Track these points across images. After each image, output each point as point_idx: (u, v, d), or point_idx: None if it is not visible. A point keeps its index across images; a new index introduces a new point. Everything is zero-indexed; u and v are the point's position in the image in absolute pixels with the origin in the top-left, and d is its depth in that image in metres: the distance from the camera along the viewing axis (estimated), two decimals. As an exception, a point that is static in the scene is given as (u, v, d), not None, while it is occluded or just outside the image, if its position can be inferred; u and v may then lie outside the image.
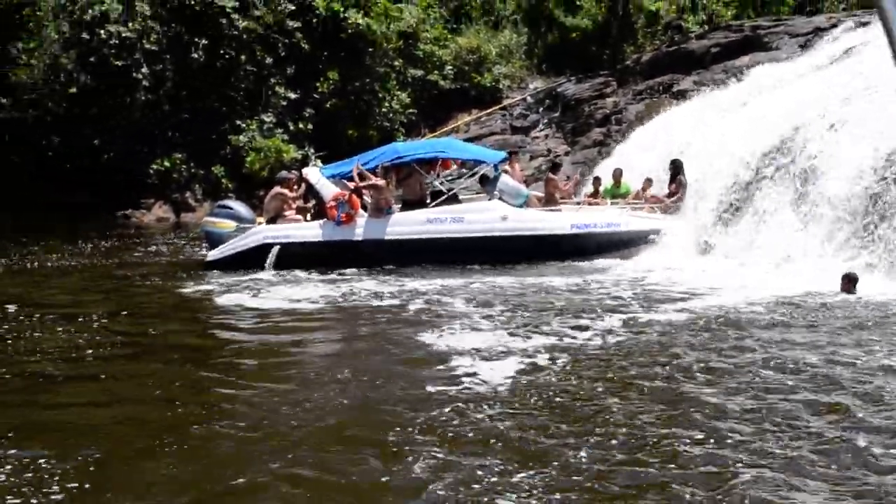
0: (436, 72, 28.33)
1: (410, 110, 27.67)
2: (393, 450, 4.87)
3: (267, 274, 13.05)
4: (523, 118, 26.83)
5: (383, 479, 4.46)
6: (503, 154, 15.24)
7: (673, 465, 4.52)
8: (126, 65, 24.59)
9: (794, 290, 10.33)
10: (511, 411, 5.57)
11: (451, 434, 5.10)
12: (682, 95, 21.73)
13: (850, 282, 10.38)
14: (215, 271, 13.43)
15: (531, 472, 4.46)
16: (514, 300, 10.11)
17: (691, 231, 14.08)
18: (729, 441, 4.86)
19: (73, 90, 24.73)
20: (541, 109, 27.23)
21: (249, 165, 24.87)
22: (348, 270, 13.11)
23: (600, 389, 6.01)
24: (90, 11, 24.49)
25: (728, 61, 22.68)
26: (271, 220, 14.29)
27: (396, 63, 27.73)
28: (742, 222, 13.74)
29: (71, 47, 25.05)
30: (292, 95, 26.54)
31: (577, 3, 30.16)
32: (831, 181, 12.82)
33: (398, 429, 5.23)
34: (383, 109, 27.04)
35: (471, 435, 5.09)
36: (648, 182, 15.33)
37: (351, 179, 14.07)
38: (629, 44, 29.67)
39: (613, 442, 4.90)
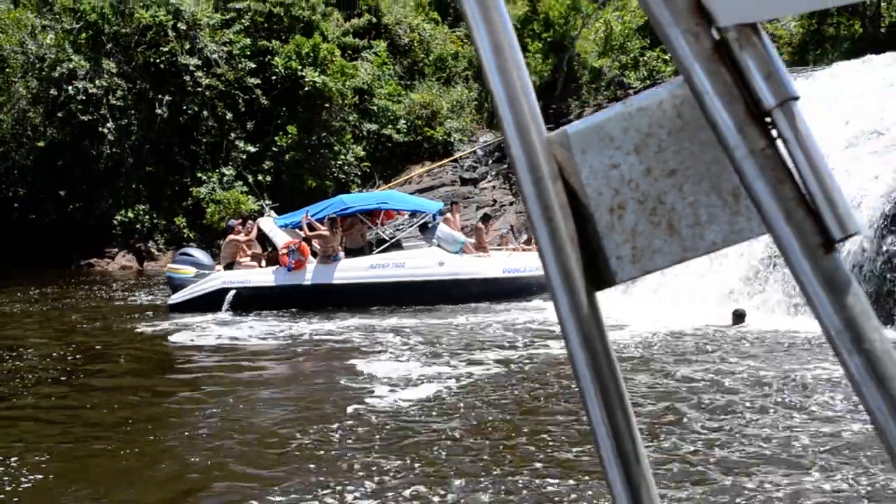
0: (390, 126, 29.69)
1: (365, 163, 28.95)
2: (317, 451, 6.08)
3: (223, 315, 14.19)
4: (473, 170, 28.21)
5: (293, 472, 5.67)
6: (441, 205, 16.60)
7: (531, 465, 5.77)
8: (92, 119, 25.79)
9: (692, 324, 11.71)
10: (412, 422, 6.81)
11: (366, 441, 6.33)
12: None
13: (738, 317, 11.81)
14: (176, 313, 14.53)
15: (420, 467, 5.69)
16: (433, 336, 11.37)
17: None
18: (573, 447, 6.13)
19: (41, 144, 25.87)
20: (490, 161, 28.60)
21: (210, 217, 25.96)
22: (297, 312, 14.28)
23: (488, 406, 7.27)
24: (58, 68, 25.70)
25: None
26: (228, 266, 15.47)
27: (352, 118, 29.08)
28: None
29: (39, 102, 26.26)
30: (252, 149, 27.76)
31: (525, 60, 31.68)
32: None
33: (316, 436, 6.44)
34: (339, 162, 28.32)
35: (378, 442, 6.31)
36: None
37: (301, 229, 15.29)
38: (574, 99, 31.26)
39: (486, 443, 6.15)
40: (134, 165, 26.98)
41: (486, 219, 17.89)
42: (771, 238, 0.56)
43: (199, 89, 27.14)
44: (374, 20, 31.77)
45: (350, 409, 7.23)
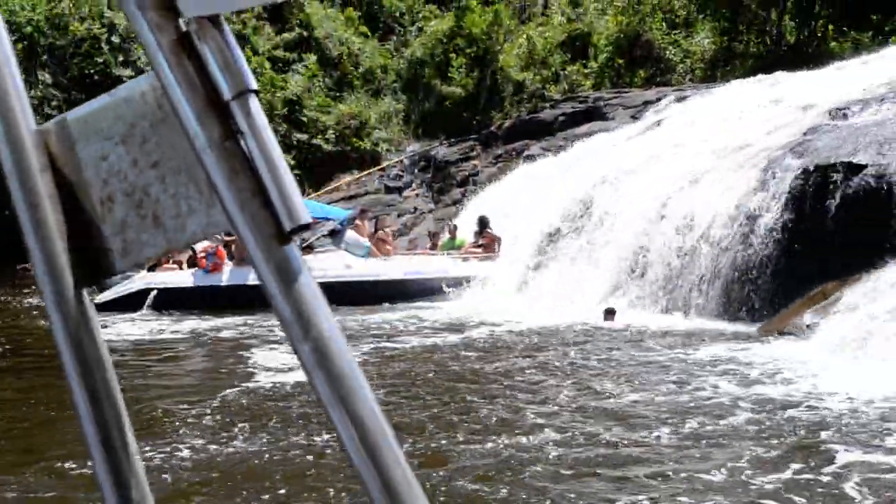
0: (319, 136, 30.82)
1: (296, 171, 29.72)
2: (192, 421, 7.37)
3: (143, 314, 15.30)
4: (399, 178, 29.45)
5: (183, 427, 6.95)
6: (349, 212, 17.95)
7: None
8: (27, 129, 26.57)
9: (568, 321, 13.11)
10: (282, 399, 8.12)
11: (237, 414, 7.63)
12: (530, 159, 24.69)
13: (609, 314, 13.23)
14: (100, 312, 15.53)
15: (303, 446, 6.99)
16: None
17: (509, 274, 16.87)
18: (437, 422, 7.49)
19: (-24, 152, 26.58)
20: (416, 171, 29.81)
21: (143, 221, 26.83)
22: (214, 311, 15.44)
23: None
24: (-7, 79, 26.46)
25: (571, 129, 25.82)
26: (151, 268, 16.60)
27: (282, 128, 30.16)
28: (549, 266, 16.60)
29: (-26, 112, 26.97)
30: (185, 157, 28.67)
31: (449, 74, 32.96)
32: (614, 235, 15.82)
33: (194, 411, 7.73)
34: (270, 170, 29.36)
35: (246, 414, 7.62)
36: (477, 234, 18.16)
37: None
38: (497, 111, 32.63)
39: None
40: (69, 172, 27.72)
41: (378, 222, 19.07)
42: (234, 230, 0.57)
43: (133, 99, 28.00)
44: (305, 34, 32.93)
45: (229, 391, 8.51)
